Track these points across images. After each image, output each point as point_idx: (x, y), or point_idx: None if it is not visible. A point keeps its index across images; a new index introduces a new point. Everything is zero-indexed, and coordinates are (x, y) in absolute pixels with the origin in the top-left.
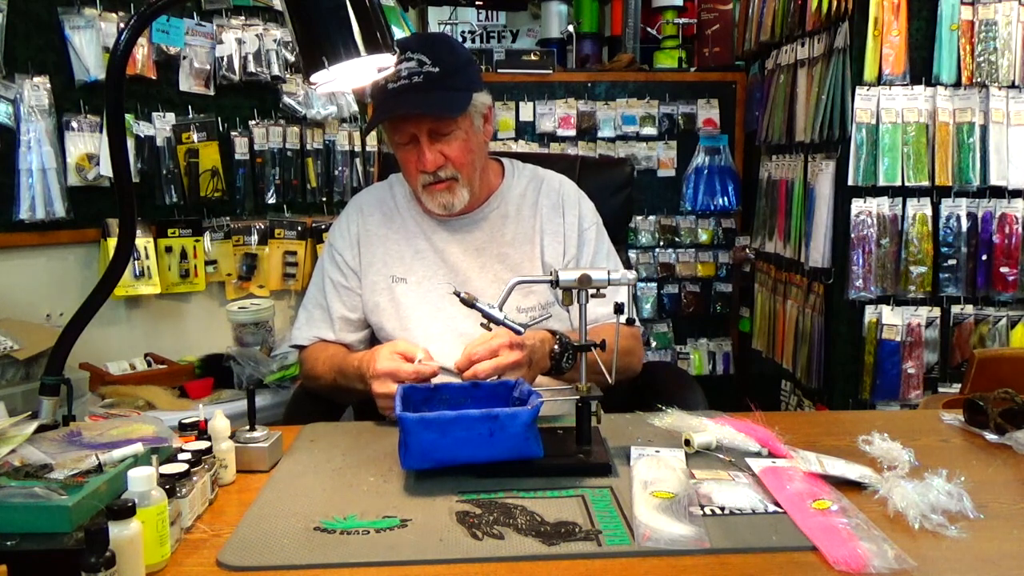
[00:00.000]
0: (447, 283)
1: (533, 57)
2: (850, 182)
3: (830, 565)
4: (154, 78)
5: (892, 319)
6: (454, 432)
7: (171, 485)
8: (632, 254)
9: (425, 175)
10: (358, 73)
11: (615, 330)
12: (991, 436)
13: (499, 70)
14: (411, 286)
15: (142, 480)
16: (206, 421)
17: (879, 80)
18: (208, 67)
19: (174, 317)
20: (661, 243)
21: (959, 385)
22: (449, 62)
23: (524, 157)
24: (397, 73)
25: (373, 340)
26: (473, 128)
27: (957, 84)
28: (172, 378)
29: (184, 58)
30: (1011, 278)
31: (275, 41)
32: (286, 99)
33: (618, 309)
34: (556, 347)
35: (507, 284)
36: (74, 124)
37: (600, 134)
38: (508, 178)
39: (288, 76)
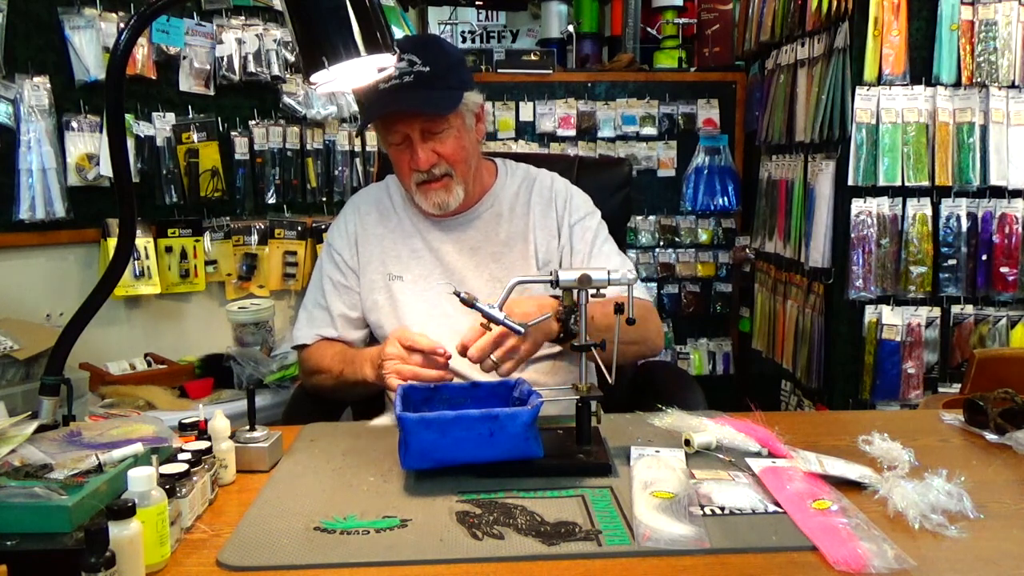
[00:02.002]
0: (445, 283)
1: (533, 57)
2: (850, 182)
3: (830, 565)
4: (154, 78)
5: (892, 319)
6: (454, 432)
7: (171, 485)
8: (632, 254)
9: (419, 173)
10: (358, 73)
11: (626, 303)
12: (991, 436)
13: (499, 70)
14: (407, 284)
15: (142, 480)
16: (206, 421)
17: (879, 80)
18: (208, 67)
19: (174, 317)
20: (661, 243)
21: (959, 385)
22: (439, 62)
23: (524, 157)
24: (388, 74)
25: (373, 339)
26: (465, 126)
27: (957, 84)
28: (172, 378)
29: (184, 58)
30: (1011, 278)
31: (275, 41)
32: (286, 99)
33: (618, 309)
34: (560, 308)
35: (504, 284)
36: (74, 124)
37: (600, 134)
38: (501, 178)
39: (288, 76)
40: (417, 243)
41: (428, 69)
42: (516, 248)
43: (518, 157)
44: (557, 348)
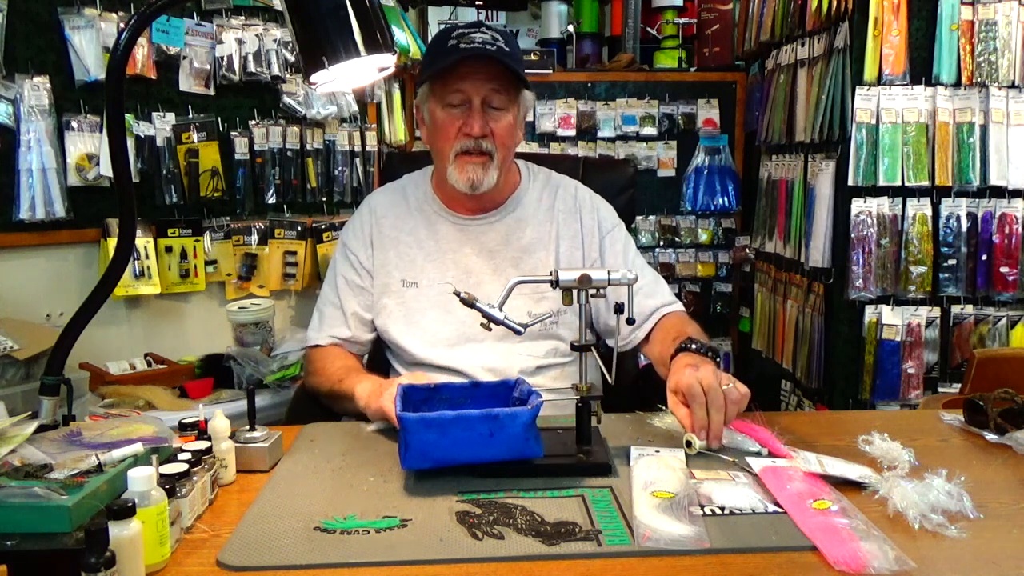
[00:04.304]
0: (446, 283)
1: (533, 57)
2: (850, 182)
3: (830, 565)
4: (154, 78)
5: (892, 319)
6: (454, 432)
7: (171, 485)
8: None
9: (466, 140)
10: (358, 73)
11: (626, 303)
12: (991, 436)
13: None
14: (422, 290)
15: (142, 480)
16: (206, 421)
17: (879, 80)
18: (208, 67)
19: (174, 317)
20: (661, 243)
21: (959, 385)
22: (517, 50)
23: (527, 158)
24: (471, 38)
25: (379, 343)
26: (518, 117)
27: (957, 84)
28: (172, 378)
29: (184, 58)
30: (1011, 278)
31: (275, 41)
32: (286, 99)
33: (618, 309)
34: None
35: (523, 290)
36: (74, 124)
37: (600, 134)
38: (525, 180)
39: (288, 76)
40: (433, 245)
41: (509, 50)
42: (537, 255)
43: (522, 157)
44: (569, 357)
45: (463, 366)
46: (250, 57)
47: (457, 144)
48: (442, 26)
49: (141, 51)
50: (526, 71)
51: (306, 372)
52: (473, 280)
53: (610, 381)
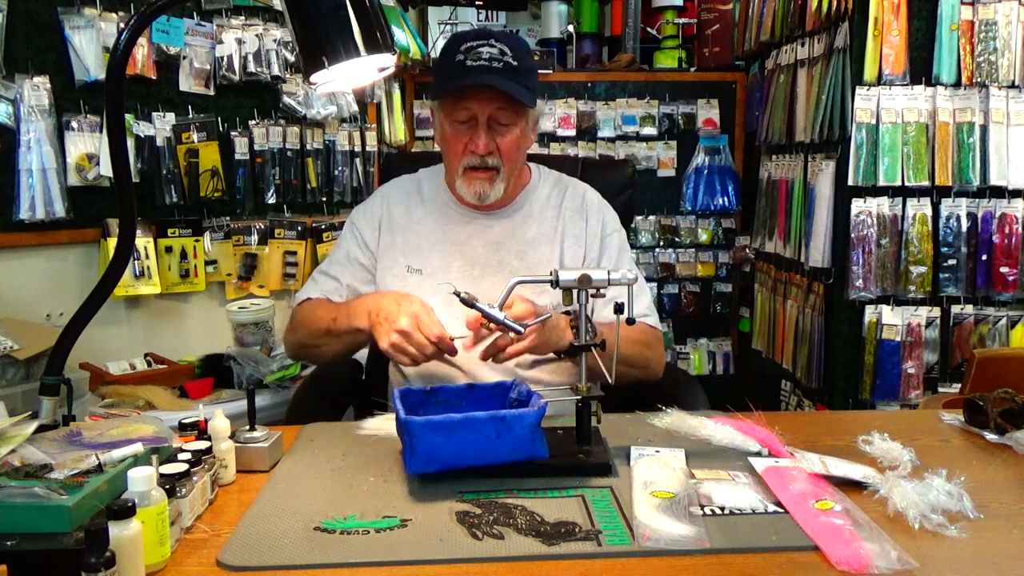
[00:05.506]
0: (446, 283)
1: (533, 57)
2: (850, 182)
3: (831, 565)
4: (154, 78)
5: (892, 319)
6: (461, 435)
7: (171, 485)
8: (632, 254)
9: (472, 158)
10: (358, 73)
11: (626, 303)
12: (991, 436)
13: None
14: (425, 277)
15: (142, 480)
16: (206, 421)
17: (879, 80)
18: (208, 67)
19: (174, 317)
20: (661, 243)
21: (959, 385)
22: (527, 62)
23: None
24: (477, 54)
25: None
26: (526, 129)
27: (957, 84)
28: (172, 378)
29: (184, 58)
30: (1011, 278)
31: (275, 41)
32: (286, 99)
33: (618, 309)
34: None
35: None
36: (74, 124)
37: (600, 134)
38: (535, 180)
39: (288, 76)
40: (441, 236)
41: (517, 64)
42: (541, 249)
43: None
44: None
45: (461, 359)
46: (250, 57)
47: (464, 160)
48: (442, 27)
49: (141, 51)
50: None
51: (288, 330)
52: (477, 271)
53: (610, 381)
